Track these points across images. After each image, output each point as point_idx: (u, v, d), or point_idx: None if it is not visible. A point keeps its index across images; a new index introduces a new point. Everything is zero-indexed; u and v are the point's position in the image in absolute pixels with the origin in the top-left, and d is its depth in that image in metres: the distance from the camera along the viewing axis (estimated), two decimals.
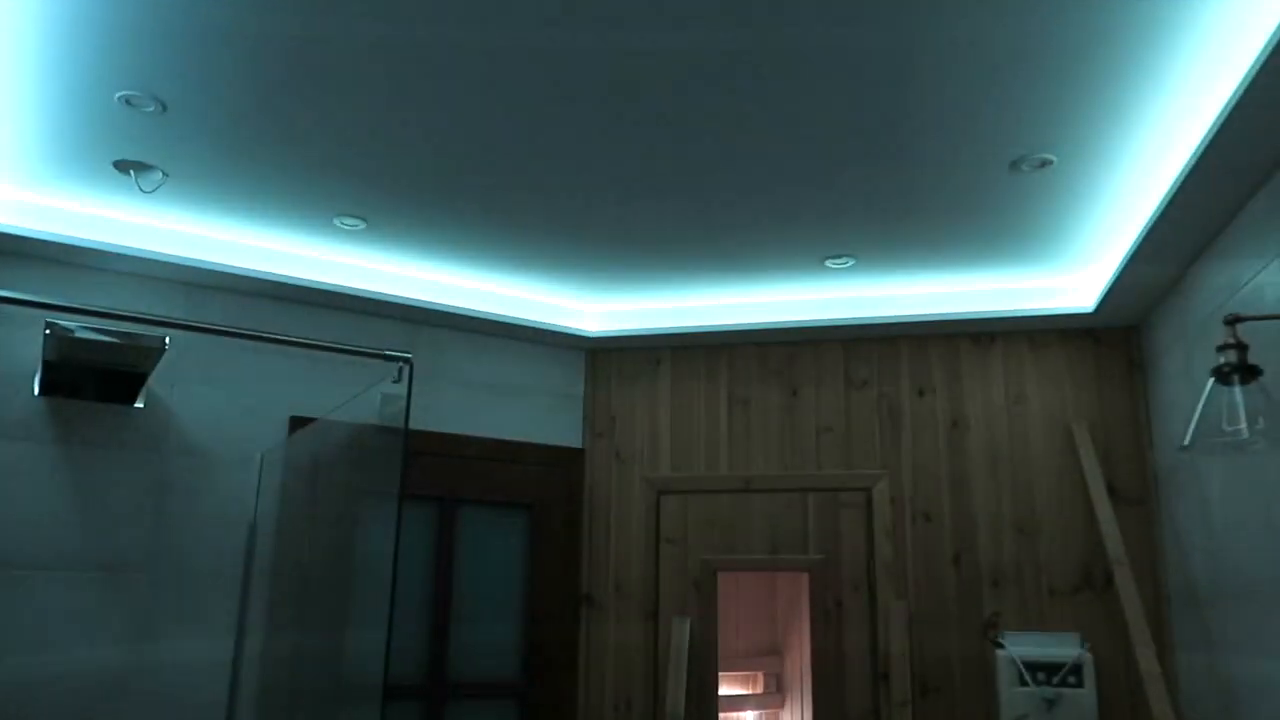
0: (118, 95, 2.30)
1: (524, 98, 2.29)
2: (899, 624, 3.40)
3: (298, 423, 3.31)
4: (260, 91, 2.27)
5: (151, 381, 3.09)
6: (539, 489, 3.72)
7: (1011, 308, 3.43)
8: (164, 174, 2.72)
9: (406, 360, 2.22)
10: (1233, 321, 2.13)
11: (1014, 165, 2.56)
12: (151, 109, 2.36)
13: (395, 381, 2.20)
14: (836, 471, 3.61)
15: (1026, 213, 2.84)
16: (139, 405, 3.05)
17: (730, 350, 3.82)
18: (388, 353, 2.20)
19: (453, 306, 3.50)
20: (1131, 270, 2.94)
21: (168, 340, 2.51)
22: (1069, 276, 3.34)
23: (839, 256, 3.24)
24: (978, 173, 2.61)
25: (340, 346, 2.22)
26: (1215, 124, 2.15)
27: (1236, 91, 2.03)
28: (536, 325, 3.68)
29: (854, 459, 3.61)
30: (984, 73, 2.14)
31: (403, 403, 2.17)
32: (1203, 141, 2.23)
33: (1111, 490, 3.34)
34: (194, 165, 2.65)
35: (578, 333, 3.76)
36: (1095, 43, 2.03)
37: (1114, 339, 3.47)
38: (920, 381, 3.61)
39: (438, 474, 3.53)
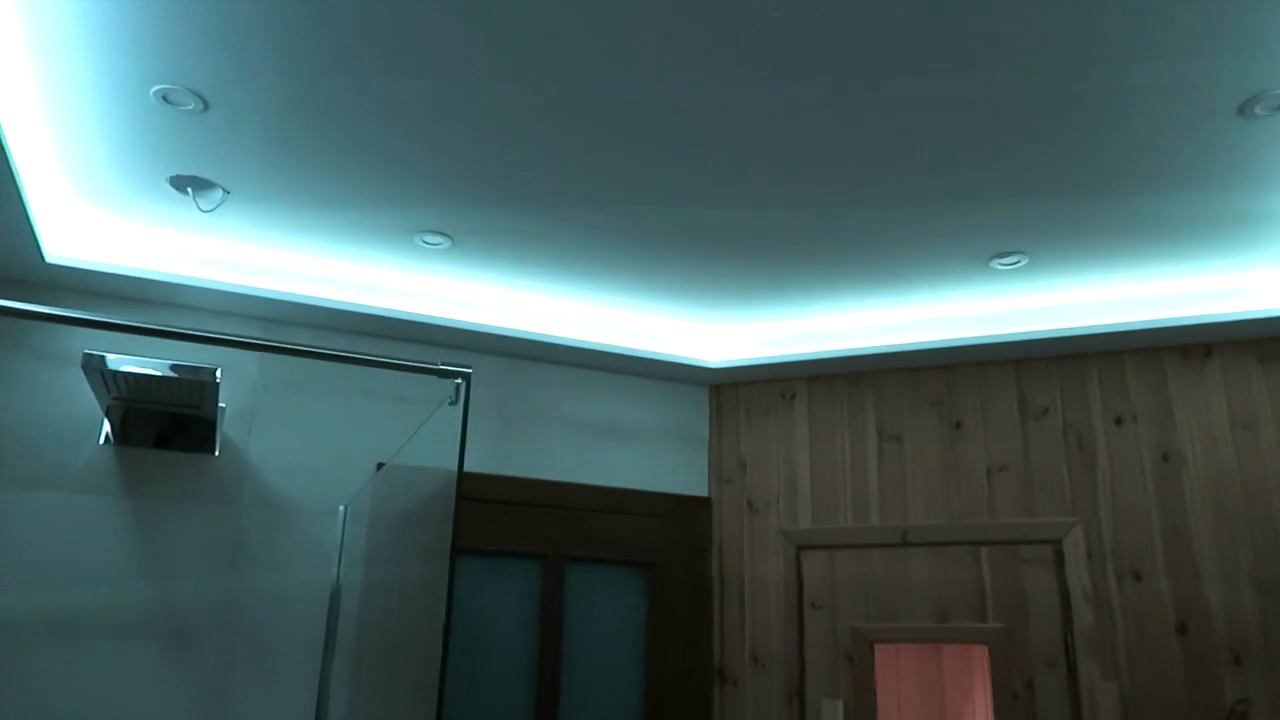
0: (154, 90, 2.02)
1: (633, 85, 1.88)
2: (1110, 711, 2.71)
3: (400, 473, 2.95)
4: (311, 84, 1.94)
5: (226, 428, 2.81)
6: (659, 545, 3.23)
7: (1231, 310, 2.75)
8: (225, 191, 2.44)
9: (464, 376, 1.81)
10: None
11: (1244, 109, 1.97)
12: (191, 106, 2.07)
13: (452, 403, 1.79)
14: (1016, 520, 2.97)
15: (1259, 175, 2.21)
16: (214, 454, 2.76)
17: (877, 377, 3.27)
18: (442, 367, 1.80)
19: (554, 337, 3.10)
20: None
21: (219, 373, 2.19)
22: None
23: (1008, 255, 2.67)
24: (1195, 125, 2.02)
25: (387, 361, 1.83)
26: None
27: None
28: (651, 357, 3.23)
29: (1037, 504, 2.97)
30: None
31: (469, 434, 1.76)
32: None
33: None
34: (251, 177, 2.36)
35: (698, 364, 3.29)
36: None
37: None
38: (1116, 406, 2.95)
39: (542, 528, 3.10)
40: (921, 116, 2.03)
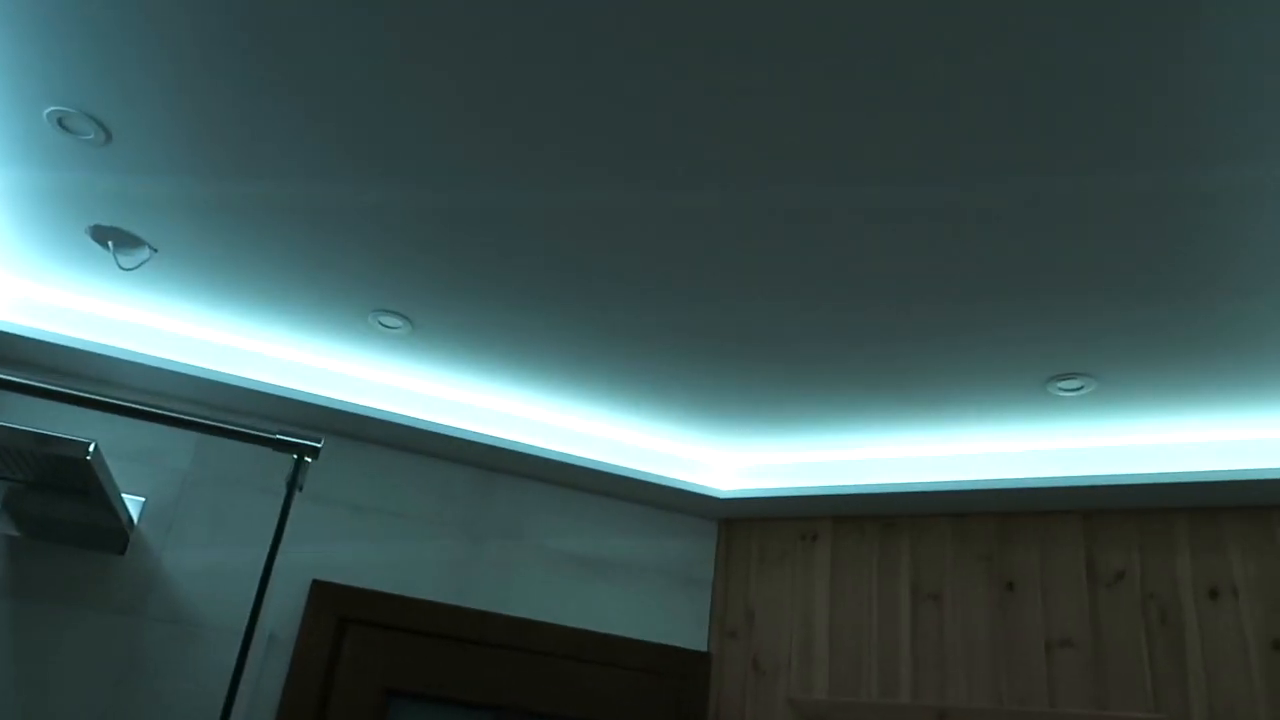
0: (48, 112, 1.74)
1: (641, 159, 1.53)
2: None
3: (322, 590, 2.52)
4: (232, 124, 1.64)
5: (143, 526, 2.43)
6: (642, 706, 2.69)
7: None
8: (152, 249, 2.15)
9: (306, 450, 1.40)
10: None
11: None
12: (91, 135, 1.79)
13: (294, 486, 1.38)
14: (1081, 711, 2.37)
15: None
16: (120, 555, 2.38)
17: (915, 522, 2.75)
18: (280, 438, 1.39)
19: (538, 449, 2.69)
20: None
21: (93, 448, 1.83)
22: None
23: (1070, 378, 2.19)
24: None
25: (215, 425, 1.43)
26: None
27: None
28: (650, 480, 2.78)
29: (1110, 692, 2.37)
30: None
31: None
32: None
33: None
34: (173, 232, 2.05)
35: (706, 492, 2.82)
36: None
37: None
38: (1212, 575, 2.38)
39: (501, 674, 2.60)
40: (966, 208, 1.62)
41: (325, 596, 2.50)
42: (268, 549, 2.51)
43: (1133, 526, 2.50)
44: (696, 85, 1.48)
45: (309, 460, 1.38)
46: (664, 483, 2.79)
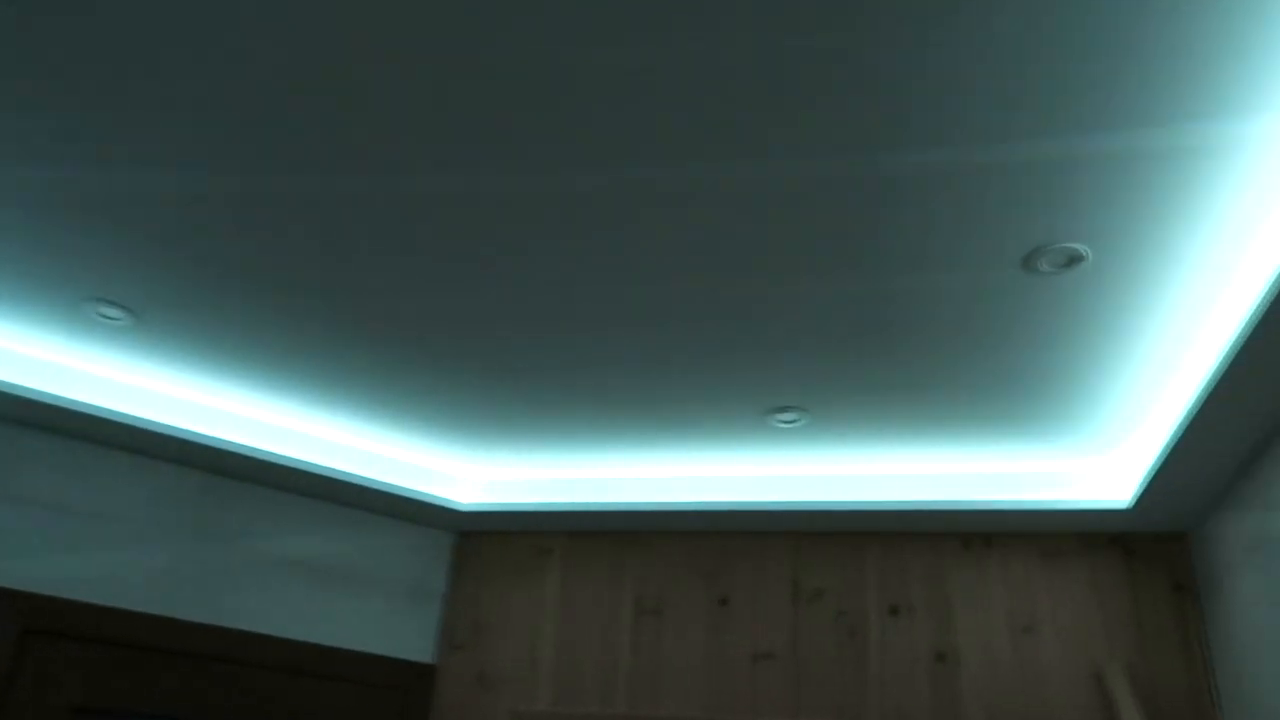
0: None
1: (379, 144, 1.51)
2: None
3: (14, 600, 2.29)
4: None
5: None
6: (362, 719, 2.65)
7: (1013, 498, 2.55)
8: None
9: None
10: None
11: (1029, 261, 1.78)
12: None
13: None
14: (779, 718, 2.59)
15: (1046, 343, 2.04)
16: None
17: (643, 539, 2.89)
18: None
19: (264, 452, 2.59)
20: (1185, 448, 2.11)
21: None
22: (1098, 457, 2.50)
23: (787, 410, 2.40)
24: (977, 280, 1.83)
25: None
26: None
27: None
28: (387, 490, 2.75)
29: (804, 698, 2.60)
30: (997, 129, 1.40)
31: None
32: None
33: None
34: None
35: (444, 504, 2.83)
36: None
37: (1155, 550, 2.58)
38: (893, 595, 2.67)
39: (217, 690, 2.47)
40: (698, 256, 1.75)
41: (5, 606, 2.28)
42: None
43: (832, 549, 2.76)
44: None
45: None
46: (401, 493, 2.77)
